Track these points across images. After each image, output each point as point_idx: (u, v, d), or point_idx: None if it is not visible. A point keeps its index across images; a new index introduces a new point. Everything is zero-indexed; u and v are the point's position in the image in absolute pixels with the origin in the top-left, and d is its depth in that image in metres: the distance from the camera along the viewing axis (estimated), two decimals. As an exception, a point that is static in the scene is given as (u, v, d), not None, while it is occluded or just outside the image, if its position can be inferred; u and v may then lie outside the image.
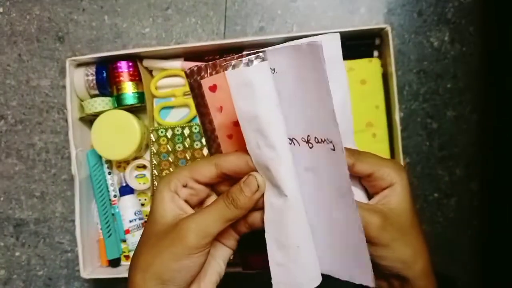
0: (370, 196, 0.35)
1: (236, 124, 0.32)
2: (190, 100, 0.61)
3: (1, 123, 0.69)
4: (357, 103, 0.58)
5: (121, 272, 0.60)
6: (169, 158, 0.59)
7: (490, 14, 0.63)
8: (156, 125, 0.63)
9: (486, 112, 0.63)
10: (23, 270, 0.68)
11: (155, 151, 0.60)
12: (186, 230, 0.31)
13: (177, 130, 0.60)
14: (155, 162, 0.60)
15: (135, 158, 0.63)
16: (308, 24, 0.65)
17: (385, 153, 0.58)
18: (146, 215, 0.63)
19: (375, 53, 0.60)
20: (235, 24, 0.66)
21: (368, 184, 0.35)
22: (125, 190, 0.63)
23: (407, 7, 0.64)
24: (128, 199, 0.63)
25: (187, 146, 0.59)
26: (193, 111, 0.61)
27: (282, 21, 0.65)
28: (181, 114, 0.62)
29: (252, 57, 0.32)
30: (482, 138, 0.63)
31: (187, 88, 0.61)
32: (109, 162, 0.64)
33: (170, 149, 0.60)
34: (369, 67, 0.58)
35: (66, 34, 0.68)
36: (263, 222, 0.33)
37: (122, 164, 0.64)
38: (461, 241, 0.63)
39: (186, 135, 0.59)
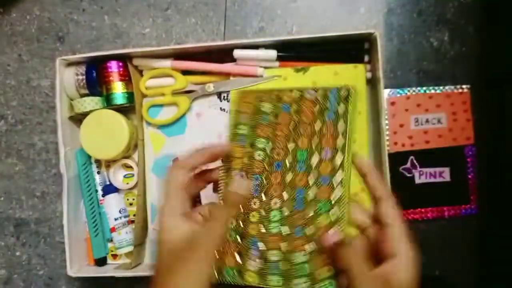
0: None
1: None
2: (179, 98, 0.60)
3: (1, 123, 0.69)
4: None
5: (107, 271, 0.61)
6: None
7: (490, 14, 0.63)
8: (145, 123, 0.62)
9: (485, 112, 0.63)
10: (23, 269, 0.68)
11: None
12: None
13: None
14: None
15: (124, 157, 0.63)
16: (307, 25, 0.65)
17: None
18: (134, 215, 0.62)
19: (366, 58, 0.59)
20: (235, 24, 0.66)
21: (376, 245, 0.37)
22: (109, 189, 0.63)
23: (406, 7, 0.64)
24: (112, 197, 0.63)
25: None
26: (182, 110, 0.60)
27: (282, 22, 0.65)
28: (171, 113, 0.61)
29: None
30: (481, 138, 0.63)
31: (176, 87, 0.61)
32: (98, 161, 0.64)
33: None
34: (354, 72, 0.58)
35: (66, 34, 0.68)
36: None
37: (111, 164, 0.64)
38: (461, 240, 0.63)
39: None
